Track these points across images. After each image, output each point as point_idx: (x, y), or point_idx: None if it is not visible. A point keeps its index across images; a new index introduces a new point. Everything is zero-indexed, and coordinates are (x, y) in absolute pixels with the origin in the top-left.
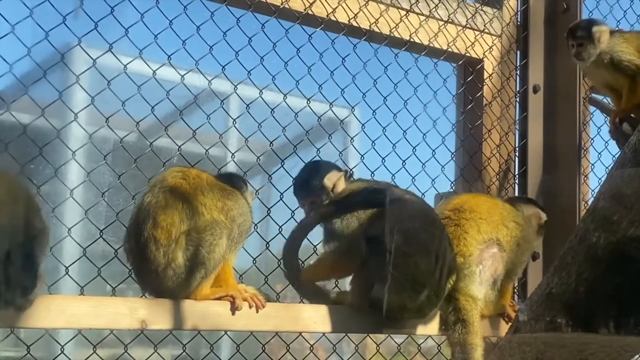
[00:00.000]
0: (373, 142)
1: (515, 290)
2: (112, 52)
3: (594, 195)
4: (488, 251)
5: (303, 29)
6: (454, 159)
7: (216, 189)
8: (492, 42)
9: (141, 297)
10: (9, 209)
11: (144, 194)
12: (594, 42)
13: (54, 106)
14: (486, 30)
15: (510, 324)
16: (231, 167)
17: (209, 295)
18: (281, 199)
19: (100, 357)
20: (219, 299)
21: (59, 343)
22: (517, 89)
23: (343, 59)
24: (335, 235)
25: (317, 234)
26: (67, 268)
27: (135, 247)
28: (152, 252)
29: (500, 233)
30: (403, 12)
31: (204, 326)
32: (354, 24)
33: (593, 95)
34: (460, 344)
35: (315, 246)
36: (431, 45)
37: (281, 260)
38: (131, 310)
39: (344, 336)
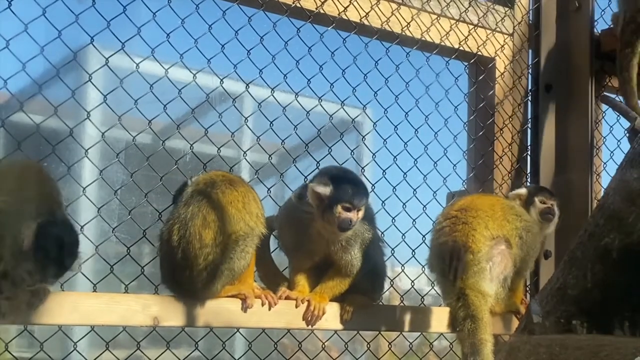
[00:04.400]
0: (385, 140)
1: (528, 289)
2: (124, 51)
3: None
4: (497, 248)
5: (315, 27)
6: (465, 157)
7: (257, 196)
8: (504, 41)
9: (154, 294)
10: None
11: (192, 191)
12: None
13: (70, 108)
14: (498, 29)
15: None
16: (244, 168)
17: (221, 294)
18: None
19: (116, 357)
20: (232, 297)
21: (72, 340)
22: (529, 87)
23: (354, 57)
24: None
25: None
26: (80, 265)
27: (177, 240)
28: (195, 250)
29: (505, 228)
30: (414, 11)
31: (217, 323)
32: (366, 22)
33: (605, 93)
34: (470, 339)
35: None
36: (443, 44)
37: None
38: (144, 307)
39: (356, 334)
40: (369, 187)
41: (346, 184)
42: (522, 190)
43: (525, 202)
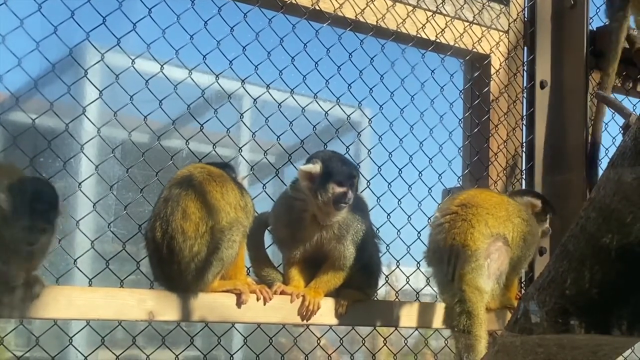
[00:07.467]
0: (380, 137)
1: (523, 286)
2: (120, 47)
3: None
4: (495, 244)
5: (310, 24)
6: (460, 154)
7: (236, 186)
8: (499, 38)
9: (150, 288)
10: None
11: (169, 186)
12: None
13: (67, 105)
14: (493, 26)
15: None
16: (242, 166)
17: (216, 288)
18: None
19: (114, 353)
20: (227, 292)
21: (67, 335)
22: (524, 84)
23: (350, 54)
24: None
25: None
26: (75, 260)
27: (160, 237)
28: (179, 244)
29: (507, 228)
30: (410, 8)
31: (212, 318)
32: (361, 19)
33: (600, 91)
34: (465, 336)
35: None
36: (438, 40)
37: None
38: (139, 302)
39: (351, 329)
40: (364, 183)
41: (336, 161)
42: (538, 202)
43: (542, 212)
